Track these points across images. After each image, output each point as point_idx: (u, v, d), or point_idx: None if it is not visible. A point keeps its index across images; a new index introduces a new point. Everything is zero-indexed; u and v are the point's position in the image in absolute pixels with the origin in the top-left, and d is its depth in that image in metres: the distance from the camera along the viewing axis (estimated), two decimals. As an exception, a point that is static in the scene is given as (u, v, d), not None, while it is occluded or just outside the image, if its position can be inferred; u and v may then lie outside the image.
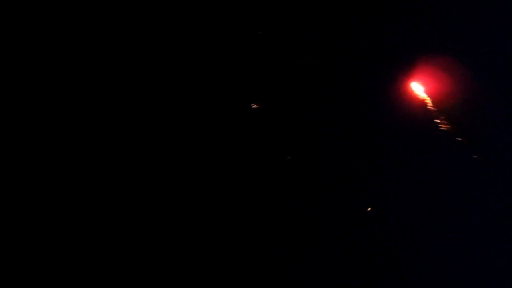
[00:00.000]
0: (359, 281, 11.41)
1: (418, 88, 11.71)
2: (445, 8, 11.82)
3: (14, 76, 11.18)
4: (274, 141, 11.80)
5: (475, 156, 11.31)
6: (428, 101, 11.68)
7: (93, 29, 11.48)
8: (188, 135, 11.59)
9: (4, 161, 10.88)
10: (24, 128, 11.09)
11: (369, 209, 11.32)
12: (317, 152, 11.79)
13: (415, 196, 11.57)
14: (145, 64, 11.62)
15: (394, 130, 11.60)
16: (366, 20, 11.86)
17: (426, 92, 11.69)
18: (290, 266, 11.34)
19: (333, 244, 11.49)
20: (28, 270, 10.56)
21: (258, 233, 11.42)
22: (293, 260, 11.36)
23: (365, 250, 11.50)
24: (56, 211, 10.89)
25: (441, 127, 11.54)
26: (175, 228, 11.20)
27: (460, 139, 11.43)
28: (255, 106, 11.26)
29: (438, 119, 11.56)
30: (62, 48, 11.40)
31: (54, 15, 11.37)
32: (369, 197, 11.57)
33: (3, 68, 11.14)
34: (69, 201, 10.98)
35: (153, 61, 11.64)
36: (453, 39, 11.73)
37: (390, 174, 11.69)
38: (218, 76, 11.77)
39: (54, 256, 10.70)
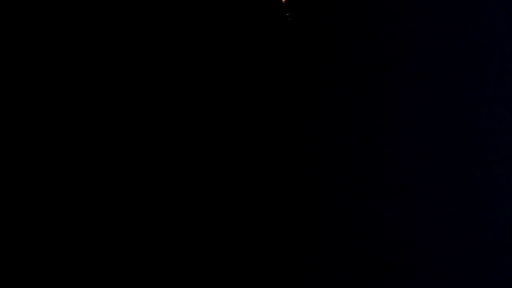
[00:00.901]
0: (359, 281, 11.39)
1: None
2: None
3: (14, 76, 11.19)
4: (274, 141, 11.79)
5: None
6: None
7: (93, 29, 11.50)
8: (188, 135, 11.58)
9: (4, 161, 10.87)
10: (24, 128, 11.08)
11: None
12: (318, 152, 11.81)
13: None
14: (145, 64, 11.63)
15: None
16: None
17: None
18: (290, 266, 11.30)
19: (334, 244, 11.47)
20: (28, 270, 10.52)
21: (258, 233, 11.39)
22: (293, 260, 11.33)
23: (364, 250, 11.49)
24: (55, 211, 10.86)
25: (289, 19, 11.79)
26: (175, 228, 11.17)
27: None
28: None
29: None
30: (61, 48, 11.42)
31: (54, 15, 11.39)
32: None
33: (3, 68, 11.15)
34: (68, 200, 10.96)
35: (153, 61, 11.65)
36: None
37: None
38: (218, 76, 11.78)
39: (54, 256, 10.66)
